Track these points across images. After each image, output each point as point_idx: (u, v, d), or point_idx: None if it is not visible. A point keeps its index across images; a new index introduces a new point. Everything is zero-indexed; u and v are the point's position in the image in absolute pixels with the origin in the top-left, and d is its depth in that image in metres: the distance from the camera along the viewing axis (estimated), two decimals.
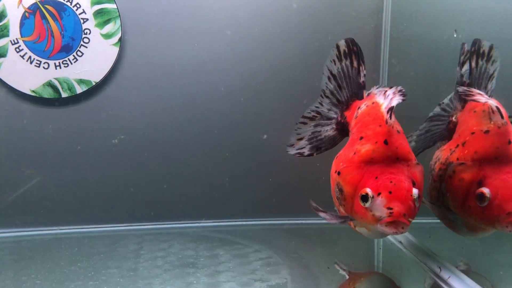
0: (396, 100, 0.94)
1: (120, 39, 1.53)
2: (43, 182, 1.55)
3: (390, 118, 0.93)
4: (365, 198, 0.90)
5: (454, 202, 1.02)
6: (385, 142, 0.92)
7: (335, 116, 1.23)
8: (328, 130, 1.23)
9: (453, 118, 1.17)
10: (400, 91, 0.97)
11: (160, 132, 1.59)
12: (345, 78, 1.18)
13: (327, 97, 1.23)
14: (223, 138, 1.62)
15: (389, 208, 0.85)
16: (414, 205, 0.88)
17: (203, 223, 1.62)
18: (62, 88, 1.53)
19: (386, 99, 0.97)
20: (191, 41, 1.57)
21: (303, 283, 1.17)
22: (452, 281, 1.15)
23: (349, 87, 1.18)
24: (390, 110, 0.93)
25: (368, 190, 0.89)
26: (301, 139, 1.26)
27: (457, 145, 1.05)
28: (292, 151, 1.27)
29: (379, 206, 0.87)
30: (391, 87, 1.02)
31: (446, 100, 1.25)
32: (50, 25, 1.51)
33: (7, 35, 1.49)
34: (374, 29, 1.62)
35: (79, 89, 1.54)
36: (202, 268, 1.25)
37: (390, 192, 0.86)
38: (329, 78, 1.21)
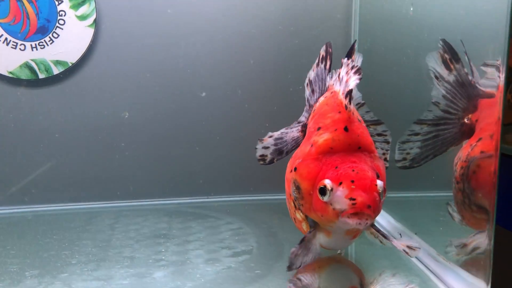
0: (353, 82, 0.85)
1: (95, 21, 1.57)
2: (20, 162, 1.59)
3: (350, 104, 0.85)
4: (323, 191, 0.81)
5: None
6: (346, 129, 0.84)
7: (303, 119, 1.15)
8: (294, 132, 1.14)
9: (466, 119, 1.06)
10: (354, 68, 0.88)
11: (137, 112, 1.63)
12: (318, 81, 1.10)
13: (306, 104, 1.16)
14: (200, 116, 1.65)
15: (351, 199, 0.77)
16: (379, 197, 0.80)
17: (178, 200, 1.66)
18: (39, 69, 1.57)
19: (342, 83, 0.89)
20: (166, 21, 1.60)
21: (268, 249, 1.22)
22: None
23: (320, 89, 1.09)
24: (349, 93, 0.85)
25: (327, 182, 0.81)
26: (270, 136, 1.15)
27: (480, 139, 0.96)
28: (259, 147, 1.15)
29: (340, 198, 0.79)
30: (342, 67, 0.92)
31: (442, 101, 1.11)
32: (25, 7, 1.54)
33: None
34: (345, 8, 1.66)
35: (56, 70, 1.57)
36: (173, 239, 1.30)
37: (352, 181, 0.78)
38: (307, 85, 1.15)
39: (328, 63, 1.08)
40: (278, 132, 1.15)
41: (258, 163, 1.14)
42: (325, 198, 0.81)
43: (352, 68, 0.88)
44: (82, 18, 1.57)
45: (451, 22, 1.07)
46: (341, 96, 0.88)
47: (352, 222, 0.78)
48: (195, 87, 1.64)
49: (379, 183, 0.81)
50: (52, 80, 1.59)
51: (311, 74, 1.14)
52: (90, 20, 1.57)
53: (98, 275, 1.08)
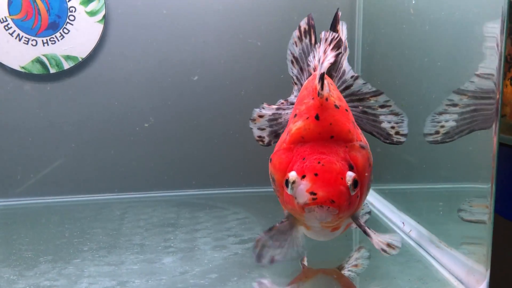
0: (327, 62, 0.78)
1: (104, 16, 1.61)
2: (31, 155, 1.63)
3: (322, 89, 0.77)
4: (287, 183, 0.76)
5: None
6: (316, 117, 0.77)
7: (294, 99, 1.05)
8: (289, 114, 1.03)
9: None
10: (332, 42, 0.80)
11: (145, 106, 1.66)
12: (305, 58, 1.01)
13: (295, 84, 1.06)
14: (208, 111, 1.69)
15: (312, 193, 0.71)
16: (348, 191, 0.73)
17: (187, 192, 1.69)
18: (50, 64, 1.61)
19: (320, 65, 0.79)
20: (175, 16, 1.64)
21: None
22: (413, 234, 1.23)
23: (309, 67, 1.00)
24: (321, 78, 0.77)
25: (290, 175, 0.75)
26: (261, 116, 1.07)
27: None
28: (254, 128, 1.09)
29: (302, 192, 0.73)
30: (320, 43, 0.83)
31: (485, 70, 0.97)
32: (36, 4, 1.58)
33: None
34: (349, 2, 1.68)
35: (66, 65, 1.61)
36: (181, 227, 1.34)
37: (316, 175, 0.72)
38: (292, 63, 1.05)
39: (313, 37, 0.98)
40: (269, 112, 1.07)
41: (258, 145, 1.11)
42: (289, 191, 0.76)
43: (330, 42, 0.80)
44: (92, 14, 1.61)
45: (454, 14, 1.09)
46: (317, 80, 0.79)
47: (313, 216, 0.73)
48: (204, 83, 1.67)
49: (349, 174, 0.73)
50: (63, 74, 1.63)
51: (295, 50, 1.03)
52: (100, 15, 1.61)
53: (109, 260, 1.11)
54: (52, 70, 1.61)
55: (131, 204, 1.58)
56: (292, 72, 1.06)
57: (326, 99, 0.78)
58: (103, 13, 1.61)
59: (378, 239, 0.85)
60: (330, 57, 0.78)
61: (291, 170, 0.76)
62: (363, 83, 1.00)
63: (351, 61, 1.66)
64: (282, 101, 1.08)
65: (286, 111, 1.05)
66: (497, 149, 0.92)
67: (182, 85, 1.67)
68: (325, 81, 0.77)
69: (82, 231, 1.32)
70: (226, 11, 1.65)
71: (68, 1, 1.59)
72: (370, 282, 1.01)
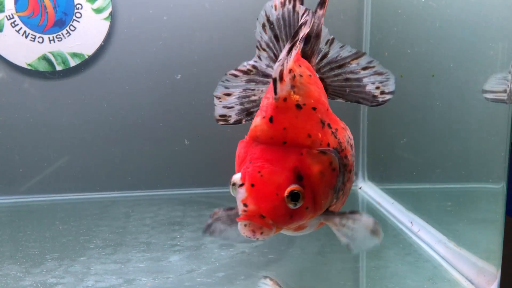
0: (292, 56, 0.70)
1: (110, 14, 1.60)
2: (38, 152, 1.62)
3: (276, 93, 0.69)
4: (231, 185, 0.71)
5: None
6: (270, 120, 0.70)
7: (263, 68, 0.93)
8: (263, 91, 0.91)
9: None
10: (303, 26, 0.72)
11: (151, 104, 1.66)
12: (284, 27, 0.87)
13: (263, 50, 0.91)
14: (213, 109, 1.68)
15: (244, 205, 0.66)
16: (284, 205, 0.67)
17: (192, 191, 1.69)
18: (56, 61, 1.61)
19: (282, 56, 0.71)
20: (181, 14, 1.63)
21: (280, 235, 1.23)
22: (422, 233, 1.22)
23: (286, 37, 0.87)
24: (279, 76, 0.69)
25: (234, 177, 0.71)
26: (229, 94, 0.97)
27: None
28: (218, 106, 0.98)
29: (238, 200, 0.68)
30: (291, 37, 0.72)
31: None
32: (43, 1, 1.58)
33: (3, 11, 1.56)
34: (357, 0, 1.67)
35: (72, 62, 1.61)
36: (188, 226, 1.33)
37: (252, 185, 0.67)
38: (264, 26, 0.89)
39: (298, 4, 0.85)
40: (239, 90, 0.94)
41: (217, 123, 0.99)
42: (232, 193, 0.71)
43: (302, 26, 0.71)
44: (98, 11, 1.60)
45: (465, 12, 1.08)
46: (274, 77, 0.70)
47: (241, 231, 0.67)
48: (210, 80, 1.66)
49: (291, 187, 0.67)
50: (69, 72, 1.62)
51: (273, 14, 0.88)
52: (106, 13, 1.60)
53: (116, 258, 1.11)
54: (58, 68, 1.61)
55: (137, 202, 1.58)
56: (261, 37, 0.90)
57: (285, 99, 0.71)
58: (109, 10, 1.60)
59: (358, 233, 0.76)
60: (295, 48, 0.70)
61: (239, 170, 0.73)
62: (340, 47, 0.89)
63: None
64: (248, 66, 0.94)
65: (260, 87, 0.92)
66: (509, 149, 0.91)
67: (188, 82, 1.66)
68: (282, 81, 0.70)
69: (88, 229, 1.32)
70: (232, 9, 1.64)
71: None
72: (379, 281, 1.00)
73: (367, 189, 1.64)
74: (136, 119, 1.66)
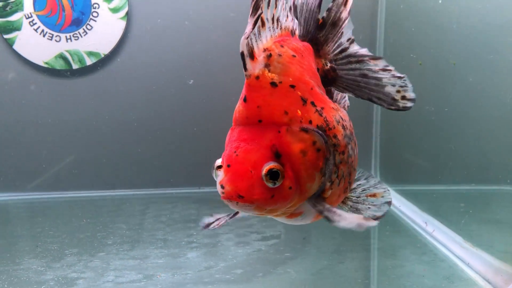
0: (248, 30, 0.67)
1: (127, 13, 1.62)
2: (54, 149, 1.64)
3: (245, 69, 0.68)
4: (213, 170, 0.71)
5: None
6: (244, 99, 0.70)
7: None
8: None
9: None
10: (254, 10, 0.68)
11: (166, 102, 1.67)
12: (304, 11, 0.86)
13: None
14: (229, 108, 1.69)
15: (222, 186, 0.66)
16: (262, 184, 0.65)
17: (206, 189, 1.70)
18: (73, 60, 1.63)
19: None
20: (196, 14, 1.65)
21: (295, 234, 1.25)
22: (437, 234, 1.22)
23: (306, 23, 0.86)
24: (248, 52, 0.68)
25: (216, 161, 0.70)
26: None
27: None
28: None
29: (217, 183, 0.68)
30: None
31: None
32: (61, 0, 1.60)
33: (22, 10, 1.58)
34: (372, 1, 1.68)
35: (88, 61, 1.63)
36: None
37: (228, 166, 0.67)
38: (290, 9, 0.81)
39: None
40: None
41: None
42: (215, 178, 0.70)
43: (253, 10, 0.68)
44: (115, 10, 1.62)
45: (482, 14, 1.09)
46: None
47: (232, 208, 0.67)
48: (224, 79, 1.68)
49: (267, 166, 0.65)
50: (85, 70, 1.64)
51: None
52: (123, 12, 1.62)
53: (134, 254, 1.12)
54: (74, 66, 1.63)
55: (152, 200, 1.59)
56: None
57: (257, 78, 0.69)
58: (126, 10, 1.62)
59: (349, 220, 0.71)
60: (251, 23, 0.68)
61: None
62: (360, 48, 0.88)
63: None
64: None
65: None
66: None
67: (204, 83, 1.67)
68: (254, 59, 0.68)
69: (104, 225, 1.33)
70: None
71: None
72: (396, 280, 1.00)
73: None
74: (151, 117, 1.67)
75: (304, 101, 0.71)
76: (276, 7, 0.72)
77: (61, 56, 1.62)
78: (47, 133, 1.64)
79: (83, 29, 1.61)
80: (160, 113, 1.68)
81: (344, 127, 0.74)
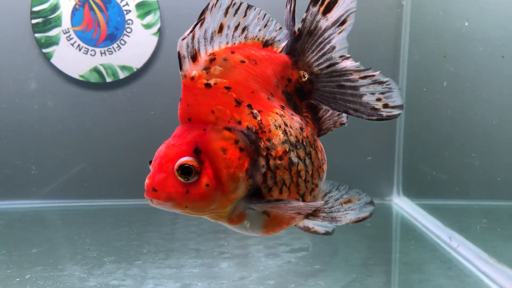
0: (186, 32, 0.70)
1: (159, 29, 1.68)
2: (88, 158, 1.71)
3: (181, 69, 0.71)
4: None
5: None
6: (180, 99, 0.73)
7: None
8: None
9: None
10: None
11: None
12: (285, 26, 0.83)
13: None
14: None
15: (147, 179, 0.69)
16: (176, 180, 0.67)
17: None
18: (106, 73, 1.69)
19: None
20: None
21: (323, 247, 1.29)
22: (461, 249, 1.26)
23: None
24: (189, 55, 0.70)
25: None
26: None
27: None
28: None
29: None
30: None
31: None
32: (97, 16, 1.67)
33: (60, 25, 1.65)
34: (396, 21, 1.72)
35: (121, 75, 1.70)
36: (232, 234, 1.39)
37: (154, 160, 0.70)
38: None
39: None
40: None
41: None
42: None
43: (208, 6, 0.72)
44: (148, 26, 1.69)
45: (508, 37, 1.13)
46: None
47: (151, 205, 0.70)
48: None
49: (181, 161, 0.67)
50: (118, 83, 1.71)
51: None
52: (155, 28, 1.69)
53: (170, 263, 1.17)
54: (108, 79, 1.69)
55: None
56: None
57: (192, 79, 0.71)
58: (158, 26, 1.68)
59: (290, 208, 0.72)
60: (193, 30, 0.70)
61: None
62: (352, 63, 0.83)
63: (395, 77, 1.71)
64: None
65: None
66: None
67: None
68: (196, 61, 0.71)
69: (138, 234, 1.39)
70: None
71: (126, 14, 1.67)
72: None
73: (402, 204, 1.68)
74: None
75: (239, 103, 0.72)
76: (245, 16, 0.74)
77: (96, 70, 1.69)
78: (82, 142, 1.70)
79: (117, 44, 1.68)
80: None
81: (285, 133, 0.72)
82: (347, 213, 0.81)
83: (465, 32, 1.29)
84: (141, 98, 1.72)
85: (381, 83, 0.79)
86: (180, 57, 0.70)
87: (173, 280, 1.08)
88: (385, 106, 0.79)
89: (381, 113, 0.79)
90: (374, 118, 0.79)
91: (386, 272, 1.15)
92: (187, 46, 0.69)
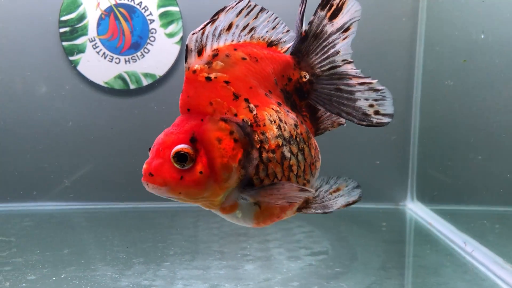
0: (198, 28, 0.73)
1: (181, 38, 1.74)
2: (110, 162, 1.77)
3: (186, 61, 0.74)
4: None
5: None
6: (182, 91, 0.77)
7: None
8: None
9: None
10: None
11: None
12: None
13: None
14: None
15: (144, 165, 0.73)
16: (171, 166, 0.71)
17: None
18: (130, 80, 1.75)
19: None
20: None
21: (342, 251, 1.34)
22: (476, 254, 1.30)
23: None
24: (196, 50, 0.73)
25: None
26: None
27: None
28: None
29: None
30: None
31: None
32: (122, 25, 1.73)
33: (86, 34, 1.72)
34: (410, 30, 1.77)
35: (145, 82, 1.76)
36: (253, 237, 1.44)
37: (153, 147, 0.74)
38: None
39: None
40: None
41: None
42: None
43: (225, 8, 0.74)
44: (171, 35, 1.75)
45: None
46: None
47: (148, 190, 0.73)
48: None
49: (177, 148, 0.70)
50: (142, 90, 1.77)
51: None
52: (178, 37, 1.75)
53: (196, 265, 1.23)
54: (132, 86, 1.75)
55: (201, 213, 1.69)
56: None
57: (194, 72, 0.74)
58: (180, 35, 1.74)
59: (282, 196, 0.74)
60: (205, 28, 0.73)
61: None
62: (352, 69, 0.86)
63: (409, 83, 1.75)
64: None
65: None
66: None
67: None
68: (201, 55, 0.73)
69: (163, 236, 1.44)
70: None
71: (150, 23, 1.73)
72: None
73: (416, 209, 1.72)
74: None
75: (236, 96, 0.75)
76: (256, 18, 0.77)
77: (120, 77, 1.75)
78: (108, 147, 1.77)
79: (141, 52, 1.74)
80: None
81: (280, 128, 0.75)
82: (337, 200, 0.84)
83: (482, 44, 1.34)
84: (165, 104, 1.78)
85: (376, 90, 0.83)
86: (187, 50, 0.73)
87: (201, 281, 1.14)
88: (376, 113, 0.82)
89: (371, 119, 0.82)
90: (364, 123, 0.83)
91: (405, 275, 1.20)
92: (196, 40, 0.73)
